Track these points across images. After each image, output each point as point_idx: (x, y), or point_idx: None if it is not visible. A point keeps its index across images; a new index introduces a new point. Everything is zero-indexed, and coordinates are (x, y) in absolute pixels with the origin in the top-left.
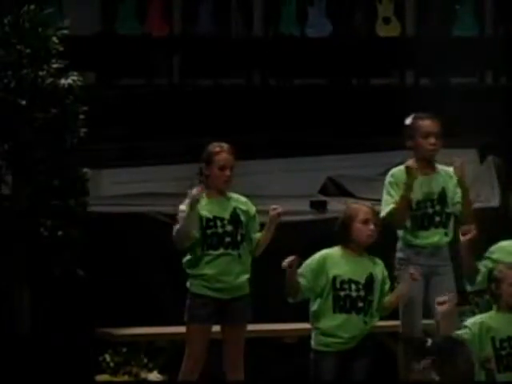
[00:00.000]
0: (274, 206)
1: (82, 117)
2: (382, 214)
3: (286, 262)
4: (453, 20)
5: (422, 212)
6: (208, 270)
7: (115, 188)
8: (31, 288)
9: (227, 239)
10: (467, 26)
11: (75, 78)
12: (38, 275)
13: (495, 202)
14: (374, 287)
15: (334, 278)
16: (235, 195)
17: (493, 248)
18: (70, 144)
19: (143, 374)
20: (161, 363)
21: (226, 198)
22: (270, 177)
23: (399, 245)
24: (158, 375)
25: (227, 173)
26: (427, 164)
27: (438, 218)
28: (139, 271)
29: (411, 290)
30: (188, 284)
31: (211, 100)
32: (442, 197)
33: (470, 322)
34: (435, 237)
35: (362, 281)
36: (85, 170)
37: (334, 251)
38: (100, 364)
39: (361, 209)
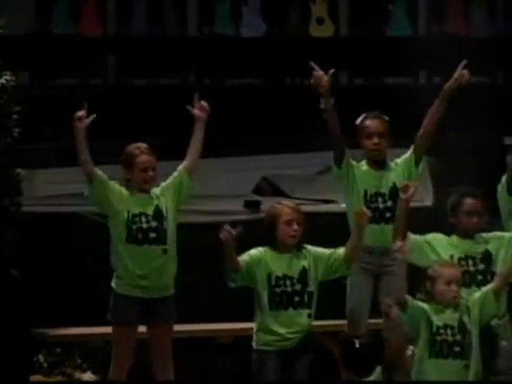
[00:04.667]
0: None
1: (15, 117)
2: None
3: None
4: (386, 20)
5: (374, 207)
6: (132, 267)
7: (50, 188)
8: None
9: (152, 235)
10: (400, 25)
11: (8, 77)
12: None
13: (429, 201)
14: (308, 279)
15: (269, 275)
16: (156, 189)
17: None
18: (4, 144)
19: (77, 375)
20: (95, 364)
21: (148, 194)
22: (205, 177)
23: None
24: (92, 375)
25: (150, 173)
26: (377, 162)
27: (388, 214)
28: (73, 271)
29: (360, 289)
30: (113, 283)
31: (146, 100)
32: (393, 193)
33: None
34: (386, 234)
35: (296, 275)
36: (18, 170)
37: (264, 250)
38: (33, 364)
39: (283, 209)
